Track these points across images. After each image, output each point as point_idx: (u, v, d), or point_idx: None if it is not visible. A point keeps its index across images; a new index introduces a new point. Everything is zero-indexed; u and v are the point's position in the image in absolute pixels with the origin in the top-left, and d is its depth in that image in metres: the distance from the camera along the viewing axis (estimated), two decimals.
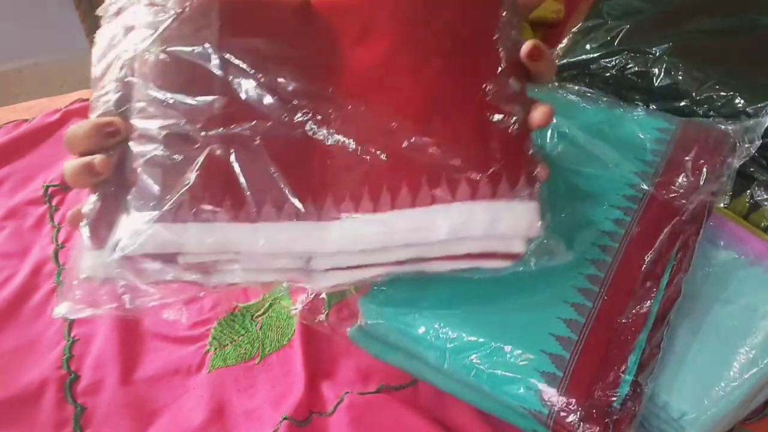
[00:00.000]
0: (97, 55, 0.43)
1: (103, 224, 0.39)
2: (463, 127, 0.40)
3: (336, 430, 0.47)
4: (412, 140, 0.39)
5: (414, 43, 0.42)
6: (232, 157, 0.39)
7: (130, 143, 0.40)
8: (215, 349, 0.53)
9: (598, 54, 0.60)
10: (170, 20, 0.41)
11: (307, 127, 0.40)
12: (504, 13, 0.42)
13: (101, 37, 0.44)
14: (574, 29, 0.63)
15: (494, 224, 0.38)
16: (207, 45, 0.40)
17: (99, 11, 0.45)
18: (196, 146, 0.39)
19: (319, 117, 0.40)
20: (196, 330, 0.55)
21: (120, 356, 0.53)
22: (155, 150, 0.39)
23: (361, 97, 0.41)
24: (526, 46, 0.40)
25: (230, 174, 0.39)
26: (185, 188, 0.38)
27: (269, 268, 0.41)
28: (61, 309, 0.41)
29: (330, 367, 0.51)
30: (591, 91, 0.58)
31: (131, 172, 0.39)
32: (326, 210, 0.39)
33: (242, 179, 0.39)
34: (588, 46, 0.61)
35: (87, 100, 0.77)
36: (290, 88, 0.40)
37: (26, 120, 0.76)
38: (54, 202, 0.67)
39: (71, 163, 0.39)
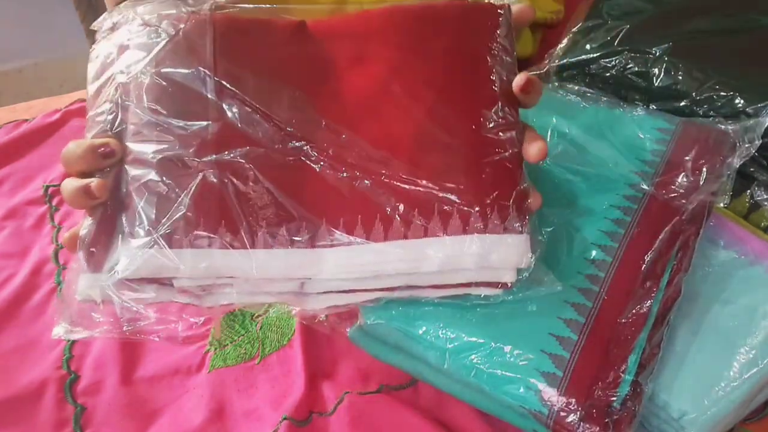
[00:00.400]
0: (92, 73, 0.43)
1: (99, 246, 0.39)
2: (455, 159, 0.40)
3: (336, 430, 0.47)
4: (405, 171, 0.40)
5: (408, 71, 0.42)
6: (226, 184, 0.40)
7: (126, 166, 0.40)
8: (215, 349, 0.53)
9: (598, 54, 0.60)
10: (164, 42, 0.41)
11: (301, 155, 0.41)
12: (498, 41, 0.42)
13: (96, 54, 0.44)
14: (574, 29, 0.63)
15: (485, 257, 0.39)
16: (201, 68, 0.41)
17: (94, 26, 0.45)
18: (190, 171, 0.39)
19: (312, 145, 0.41)
20: (196, 330, 0.55)
21: (120, 356, 0.53)
22: (149, 174, 0.39)
23: (355, 125, 0.42)
24: (519, 80, 0.41)
25: (224, 200, 0.39)
26: (180, 214, 0.39)
27: (263, 291, 0.41)
28: (59, 330, 0.41)
29: (330, 367, 0.51)
30: (591, 91, 0.58)
31: (126, 194, 0.40)
32: (320, 237, 0.40)
33: (236, 206, 0.39)
34: (588, 46, 0.61)
35: (86, 100, 0.77)
36: (284, 115, 0.41)
37: (26, 120, 0.76)
38: (54, 202, 0.67)
39: (69, 184, 0.40)
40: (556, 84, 0.60)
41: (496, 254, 0.39)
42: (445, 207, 0.40)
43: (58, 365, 0.53)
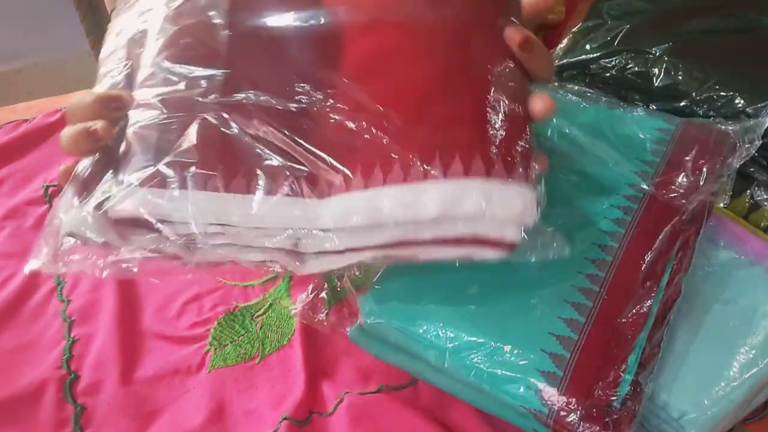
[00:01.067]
0: (109, 37, 0.43)
1: (93, 183, 0.38)
2: (462, 108, 0.39)
3: (336, 430, 0.47)
4: (409, 120, 0.39)
5: (418, 35, 0.41)
6: (229, 126, 0.39)
7: (129, 112, 0.40)
8: (215, 349, 0.53)
9: (597, 54, 0.60)
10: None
11: (305, 102, 0.40)
12: (509, 10, 0.42)
13: (115, 23, 0.44)
14: (574, 29, 0.63)
15: (487, 204, 0.36)
16: (215, 17, 0.40)
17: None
18: (193, 112, 0.39)
19: (318, 94, 0.40)
20: (196, 330, 0.55)
21: (120, 356, 0.53)
22: (151, 116, 0.39)
23: (363, 80, 0.40)
24: (515, 36, 0.40)
25: (225, 142, 0.39)
26: (177, 153, 0.38)
27: (256, 246, 0.40)
28: (34, 264, 0.39)
29: (330, 367, 0.51)
30: (591, 91, 0.58)
31: (127, 139, 0.39)
32: (319, 187, 0.39)
33: (236, 149, 0.38)
34: (588, 46, 0.61)
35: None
36: (292, 66, 0.40)
37: (26, 120, 0.76)
38: (54, 202, 0.67)
39: (71, 129, 0.38)
40: (556, 84, 0.60)
41: (499, 202, 0.36)
42: (447, 152, 0.38)
43: (58, 365, 0.53)
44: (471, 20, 0.41)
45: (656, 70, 0.57)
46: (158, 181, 0.37)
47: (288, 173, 0.39)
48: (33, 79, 1.67)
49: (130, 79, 0.41)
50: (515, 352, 0.42)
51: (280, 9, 0.42)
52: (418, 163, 0.38)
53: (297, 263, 0.40)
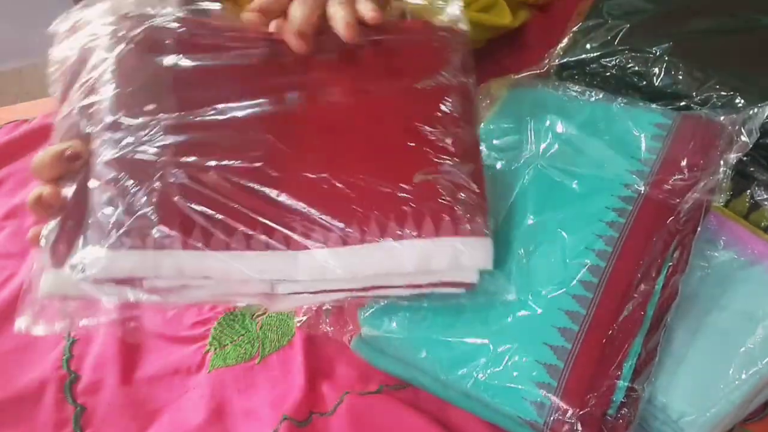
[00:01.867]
0: (54, 75, 0.44)
1: (63, 243, 0.39)
2: (419, 168, 0.42)
3: (336, 430, 0.47)
4: (377, 179, 0.41)
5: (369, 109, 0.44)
6: (194, 183, 0.40)
7: (91, 166, 0.40)
8: (215, 349, 0.53)
9: (598, 54, 0.60)
10: (126, 44, 0.42)
11: (266, 161, 0.41)
12: (451, 67, 0.45)
13: (56, 55, 0.44)
14: (574, 28, 0.63)
15: (458, 259, 0.41)
16: (164, 65, 0.42)
17: (51, 29, 0.46)
18: (157, 172, 0.39)
19: (276, 149, 0.42)
20: (196, 330, 0.55)
21: (120, 356, 0.53)
22: (112, 176, 0.39)
23: (326, 133, 0.43)
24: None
25: (194, 200, 0.39)
26: (150, 214, 0.38)
27: (234, 293, 0.42)
28: (21, 323, 0.41)
29: (330, 367, 0.51)
30: (590, 90, 0.58)
31: (91, 194, 0.39)
32: (295, 240, 0.40)
33: (208, 206, 0.39)
34: (588, 46, 0.61)
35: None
36: (244, 120, 0.42)
37: (26, 120, 0.76)
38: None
39: (31, 196, 0.40)
40: (556, 83, 0.60)
41: (467, 255, 0.41)
42: (419, 213, 0.41)
43: (58, 365, 0.53)
44: (415, 80, 0.44)
45: (656, 70, 0.57)
46: (135, 243, 0.38)
47: (263, 229, 0.40)
48: (33, 79, 1.67)
49: (84, 126, 0.41)
50: (510, 362, 0.42)
51: (230, 54, 0.43)
52: (393, 223, 0.41)
53: (272, 303, 0.42)
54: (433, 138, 0.43)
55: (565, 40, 0.63)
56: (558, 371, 0.41)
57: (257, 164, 0.41)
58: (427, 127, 0.43)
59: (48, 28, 0.45)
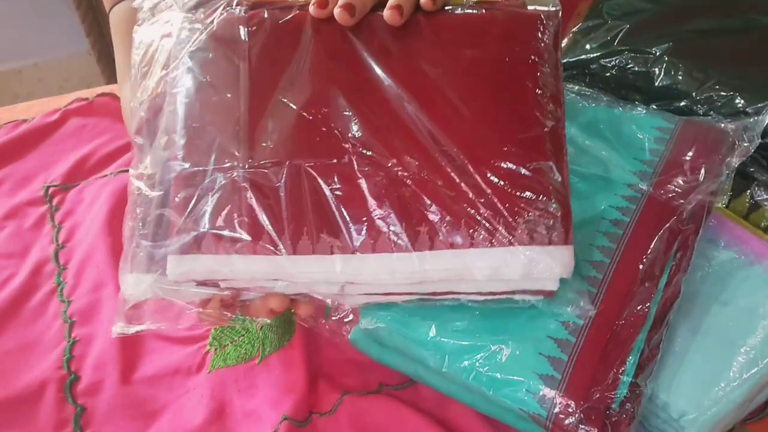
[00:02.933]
0: (137, 59, 0.45)
1: (145, 249, 0.41)
2: (498, 170, 0.40)
3: (336, 430, 0.47)
4: (448, 179, 0.40)
5: (449, 82, 0.42)
6: (265, 189, 0.40)
7: (168, 177, 0.42)
8: (215, 349, 0.53)
9: (598, 54, 0.60)
10: (200, 37, 0.43)
11: (342, 157, 0.41)
12: (541, 50, 0.42)
13: (140, 39, 0.45)
14: (574, 29, 0.63)
15: (531, 269, 0.39)
16: (236, 65, 0.42)
17: (135, 4, 0.47)
18: (229, 177, 0.40)
19: (353, 146, 0.41)
20: (196, 330, 0.55)
21: (120, 356, 0.53)
22: (192, 184, 0.41)
23: (397, 128, 0.41)
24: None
25: (268, 205, 0.40)
26: (224, 217, 0.40)
27: (305, 291, 0.42)
28: (117, 328, 0.44)
29: (330, 367, 0.51)
30: (591, 90, 0.58)
31: (171, 201, 0.41)
32: (364, 242, 0.39)
33: (279, 210, 0.40)
34: (588, 46, 0.61)
35: (86, 99, 0.77)
36: (324, 117, 0.41)
37: (26, 120, 0.76)
38: (54, 202, 0.67)
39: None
40: None
41: (542, 265, 0.38)
42: (491, 218, 0.39)
43: (58, 365, 0.53)
44: (503, 67, 0.42)
45: (656, 70, 0.57)
46: (210, 248, 0.40)
47: (331, 231, 0.40)
48: (33, 79, 1.67)
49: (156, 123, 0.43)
50: (514, 355, 0.42)
51: (302, 46, 0.43)
52: (465, 230, 0.39)
53: (341, 299, 0.43)
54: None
55: (565, 41, 0.63)
56: (562, 364, 0.41)
57: (333, 160, 0.41)
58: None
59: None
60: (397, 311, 0.46)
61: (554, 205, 0.39)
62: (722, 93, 0.54)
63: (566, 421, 0.39)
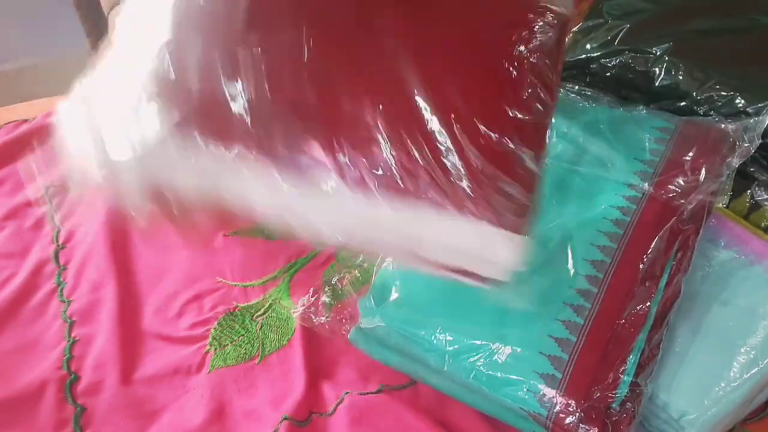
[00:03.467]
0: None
1: None
2: (479, 138, 0.38)
3: (336, 430, 0.47)
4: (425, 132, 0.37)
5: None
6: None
7: None
8: (215, 349, 0.53)
9: (598, 54, 0.60)
10: None
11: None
12: (534, 50, 0.41)
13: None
14: (574, 29, 0.63)
15: (483, 243, 0.37)
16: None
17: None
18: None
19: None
20: (196, 330, 0.55)
21: (120, 356, 0.53)
22: None
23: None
24: None
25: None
26: None
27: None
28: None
29: (330, 367, 0.51)
30: (591, 90, 0.58)
31: None
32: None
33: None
34: (588, 46, 0.61)
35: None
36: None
37: (26, 120, 0.76)
38: (54, 202, 0.67)
39: None
40: None
41: (496, 246, 0.37)
42: (457, 179, 0.36)
43: (58, 366, 0.53)
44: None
45: (657, 70, 0.57)
46: None
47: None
48: (33, 79, 1.67)
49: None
50: (514, 354, 0.42)
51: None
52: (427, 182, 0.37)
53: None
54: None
55: (565, 40, 0.63)
56: (562, 363, 0.41)
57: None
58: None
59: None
60: (398, 311, 0.46)
61: (522, 192, 0.37)
62: (723, 93, 0.54)
63: (567, 420, 0.39)
